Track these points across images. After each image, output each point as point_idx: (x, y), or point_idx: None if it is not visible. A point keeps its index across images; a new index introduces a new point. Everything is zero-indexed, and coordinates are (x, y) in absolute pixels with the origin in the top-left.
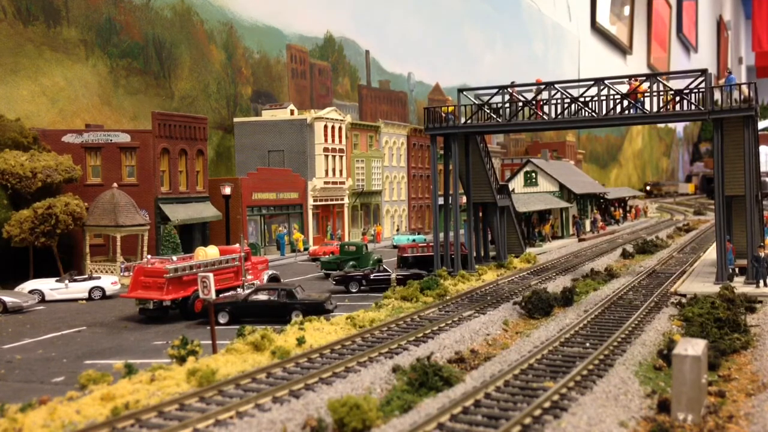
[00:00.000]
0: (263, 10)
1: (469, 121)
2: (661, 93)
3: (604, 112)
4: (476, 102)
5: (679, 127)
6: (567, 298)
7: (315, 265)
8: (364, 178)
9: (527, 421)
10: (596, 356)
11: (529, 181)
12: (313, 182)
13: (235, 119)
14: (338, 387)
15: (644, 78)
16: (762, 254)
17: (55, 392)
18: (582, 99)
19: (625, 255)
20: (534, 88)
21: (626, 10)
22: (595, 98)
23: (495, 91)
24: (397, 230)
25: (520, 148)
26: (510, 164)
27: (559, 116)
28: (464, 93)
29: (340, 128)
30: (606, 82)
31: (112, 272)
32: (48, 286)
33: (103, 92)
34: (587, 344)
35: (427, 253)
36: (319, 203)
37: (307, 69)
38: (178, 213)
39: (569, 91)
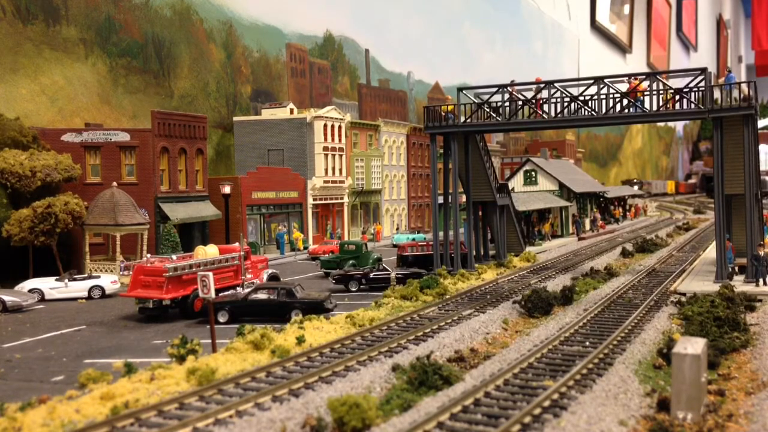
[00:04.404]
0: (263, 9)
1: (468, 120)
2: (661, 92)
3: (603, 110)
4: (476, 101)
5: (678, 125)
6: (567, 297)
7: (315, 264)
8: (364, 177)
9: (527, 419)
10: (596, 355)
11: (529, 179)
12: (312, 181)
13: (235, 118)
14: (338, 386)
15: (644, 77)
16: (761, 253)
17: (54, 391)
18: (582, 98)
19: (624, 254)
20: (534, 86)
21: (626, 8)
22: (595, 97)
23: (495, 89)
24: (397, 229)
25: (520, 146)
26: (510, 163)
27: (559, 115)
28: (464, 92)
29: (339, 127)
30: (606, 80)
31: (111, 271)
32: (47, 285)
33: (103, 91)
34: (587, 343)
35: (426, 252)
36: (318, 202)
37: (307, 68)
38: (177, 212)
39: (569, 89)
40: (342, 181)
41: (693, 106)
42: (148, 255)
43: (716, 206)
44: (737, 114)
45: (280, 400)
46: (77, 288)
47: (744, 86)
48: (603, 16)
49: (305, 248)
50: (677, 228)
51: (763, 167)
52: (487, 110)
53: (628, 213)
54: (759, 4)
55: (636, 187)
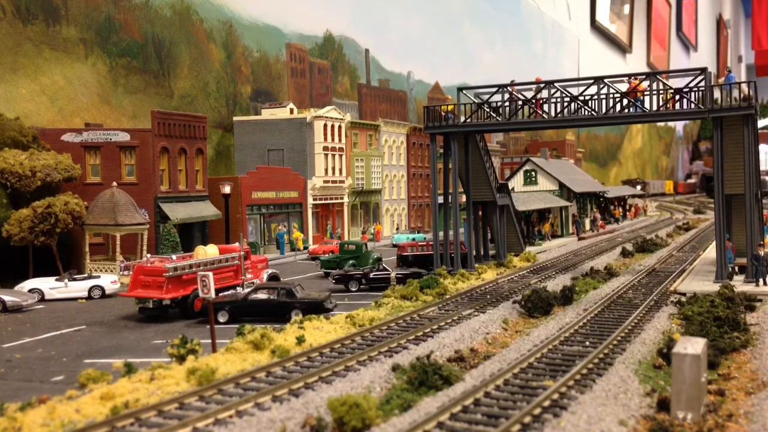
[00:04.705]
0: (263, 9)
1: (468, 120)
2: (661, 92)
3: (603, 110)
4: (476, 101)
5: (678, 125)
6: (567, 297)
7: (314, 264)
8: (364, 176)
9: (527, 419)
10: (596, 355)
11: (529, 179)
12: (312, 181)
13: (235, 118)
14: (338, 386)
15: (644, 77)
16: (761, 253)
17: (54, 391)
18: (582, 98)
19: (624, 254)
20: (534, 86)
21: (626, 8)
22: (595, 97)
23: (495, 89)
24: (397, 229)
25: (520, 146)
26: (510, 163)
27: (559, 115)
28: (464, 92)
29: (339, 127)
30: (606, 80)
31: (111, 271)
32: (47, 285)
33: (103, 91)
34: (587, 343)
35: (426, 251)
36: (318, 202)
37: (307, 68)
38: (177, 212)
39: (569, 89)
40: (342, 181)
41: (693, 106)
42: (148, 255)
43: (716, 206)
44: (737, 114)
45: (280, 400)
46: (77, 288)
47: (744, 86)
48: (603, 16)
49: (305, 248)
50: (677, 228)
51: (763, 167)
52: (487, 110)
53: (628, 213)
54: (759, 4)
55: (639, 187)
